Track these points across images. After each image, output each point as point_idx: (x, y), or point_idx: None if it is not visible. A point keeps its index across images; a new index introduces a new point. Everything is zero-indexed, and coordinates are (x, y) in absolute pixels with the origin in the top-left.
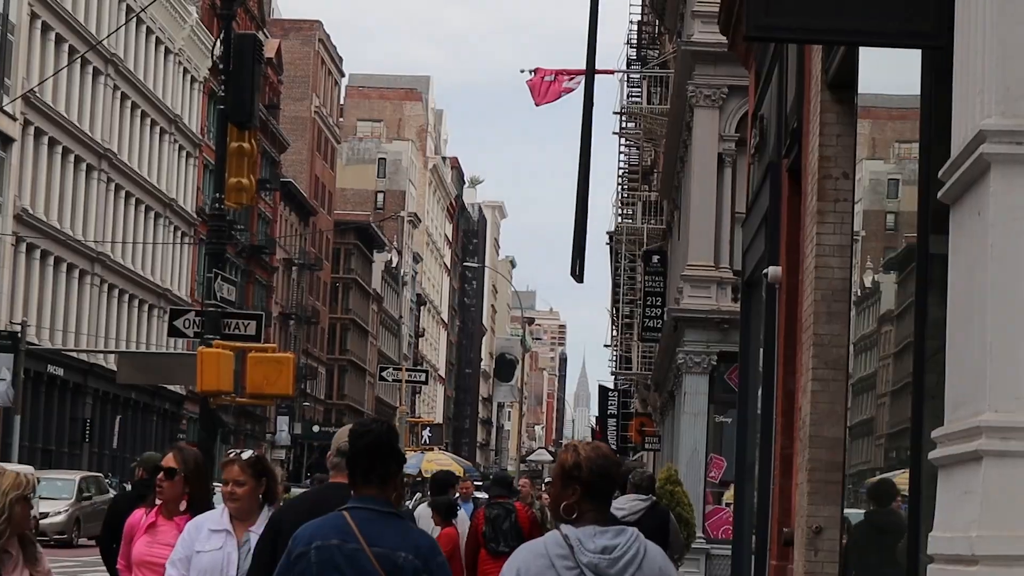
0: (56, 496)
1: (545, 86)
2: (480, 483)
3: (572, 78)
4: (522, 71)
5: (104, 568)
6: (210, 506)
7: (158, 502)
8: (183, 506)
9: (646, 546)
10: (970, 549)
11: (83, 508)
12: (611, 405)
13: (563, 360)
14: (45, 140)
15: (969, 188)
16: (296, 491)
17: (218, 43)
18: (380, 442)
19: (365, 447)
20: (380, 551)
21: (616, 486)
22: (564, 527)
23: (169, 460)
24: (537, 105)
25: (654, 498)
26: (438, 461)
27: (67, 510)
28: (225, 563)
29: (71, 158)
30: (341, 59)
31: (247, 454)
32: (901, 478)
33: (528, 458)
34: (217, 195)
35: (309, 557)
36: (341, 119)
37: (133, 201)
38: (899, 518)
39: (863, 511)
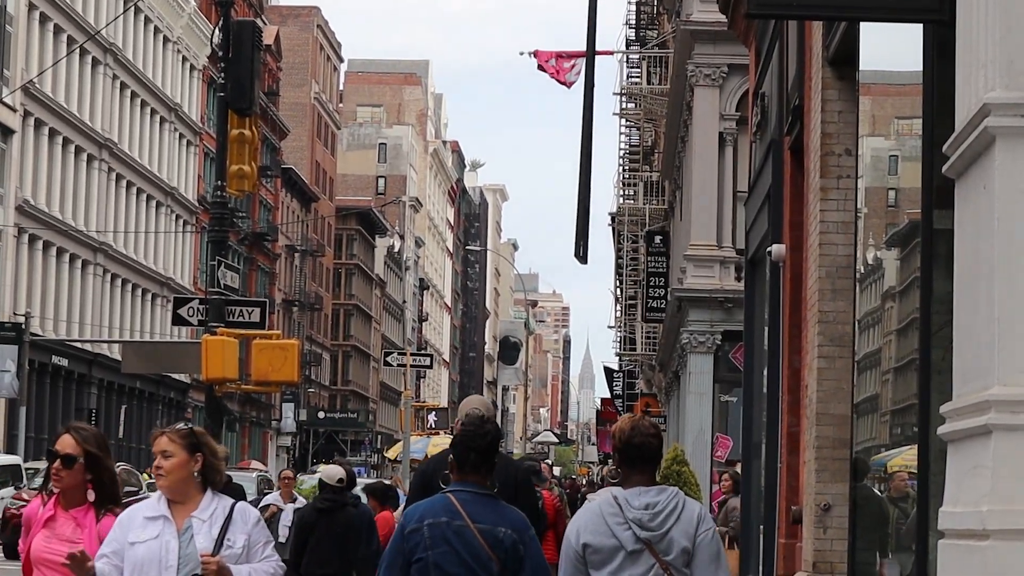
0: None
1: (554, 70)
2: None
3: (573, 67)
4: (521, 54)
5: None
6: (116, 494)
7: (55, 491)
8: (91, 496)
9: (685, 501)
10: (981, 523)
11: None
12: (616, 386)
13: (567, 342)
14: (45, 131)
15: (974, 162)
16: (309, 479)
17: (217, 30)
18: (494, 442)
19: (484, 447)
20: (483, 527)
21: (655, 455)
22: (615, 489)
23: (66, 444)
24: (569, 85)
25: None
26: (444, 445)
27: None
28: (163, 553)
29: (71, 148)
30: (340, 45)
31: (179, 425)
32: (901, 457)
33: (534, 440)
34: (218, 183)
35: (422, 532)
36: (341, 105)
37: (134, 190)
38: (870, 492)
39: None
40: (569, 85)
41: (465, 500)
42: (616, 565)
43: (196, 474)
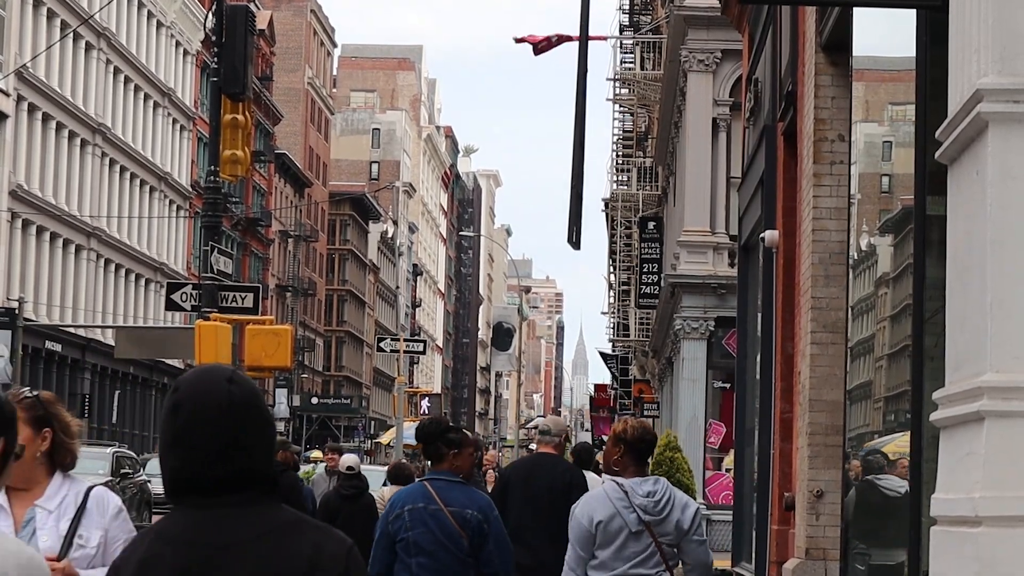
0: None
1: (546, 42)
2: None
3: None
4: (515, 39)
5: None
6: None
7: None
8: None
9: (674, 490)
10: (973, 510)
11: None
12: (610, 371)
13: (560, 328)
14: (39, 115)
15: (967, 148)
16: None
17: (210, 15)
18: (434, 434)
19: (425, 437)
20: (453, 509)
21: (650, 449)
22: (618, 478)
23: None
24: (536, 53)
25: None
26: None
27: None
28: None
29: (65, 133)
30: (333, 29)
31: (23, 392)
32: (894, 444)
33: (527, 426)
34: (212, 168)
35: (403, 517)
36: (334, 90)
37: (128, 175)
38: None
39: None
40: (539, 49)
41: (438, 487)
42: (620, 543)
43: (41, 454)
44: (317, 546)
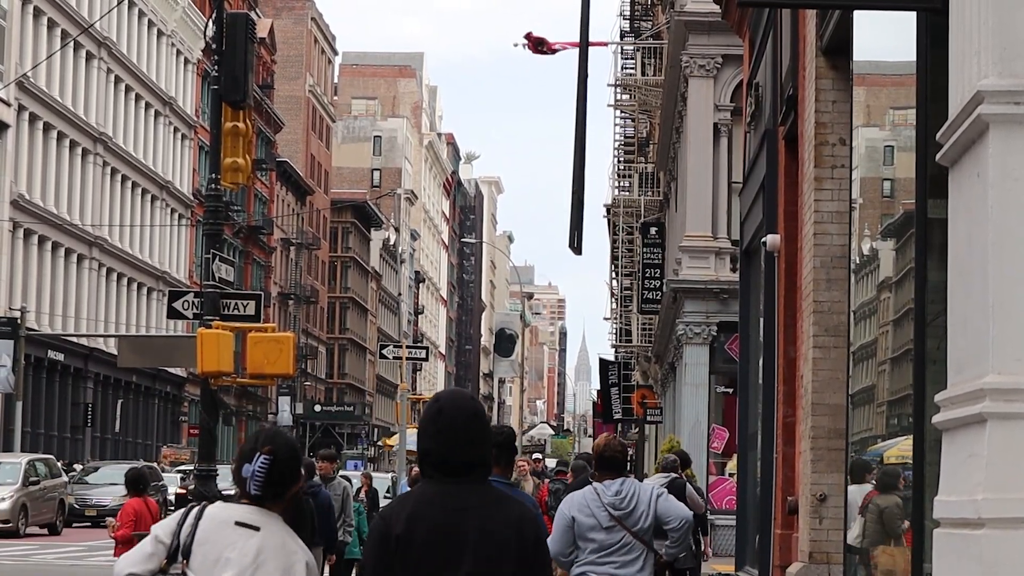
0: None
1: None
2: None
3: (564, 49)
4: (516, 45)
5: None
6: None
7: None
8: None
9: (639, 486)
10: (976, 512)
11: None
12: (612, 377)
13: (563, 334)
14: (40, 125)
15: (968, 149)
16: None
17: (210, 23)
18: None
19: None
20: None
21: (621, 463)
22: (595, 483)
23: None
24: (534, 49)
25: (674, 475)
26: None
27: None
28: None
29: (66, 143)
30: (334, 37)
31: None
32: (897, 448)
33: (529, 433)
34: (213, 176)
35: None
36: (335, 98)
37: (129, 184)
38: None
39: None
40: (545, 48)
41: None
42: (597, 535)
43: None
44: (520, 511)
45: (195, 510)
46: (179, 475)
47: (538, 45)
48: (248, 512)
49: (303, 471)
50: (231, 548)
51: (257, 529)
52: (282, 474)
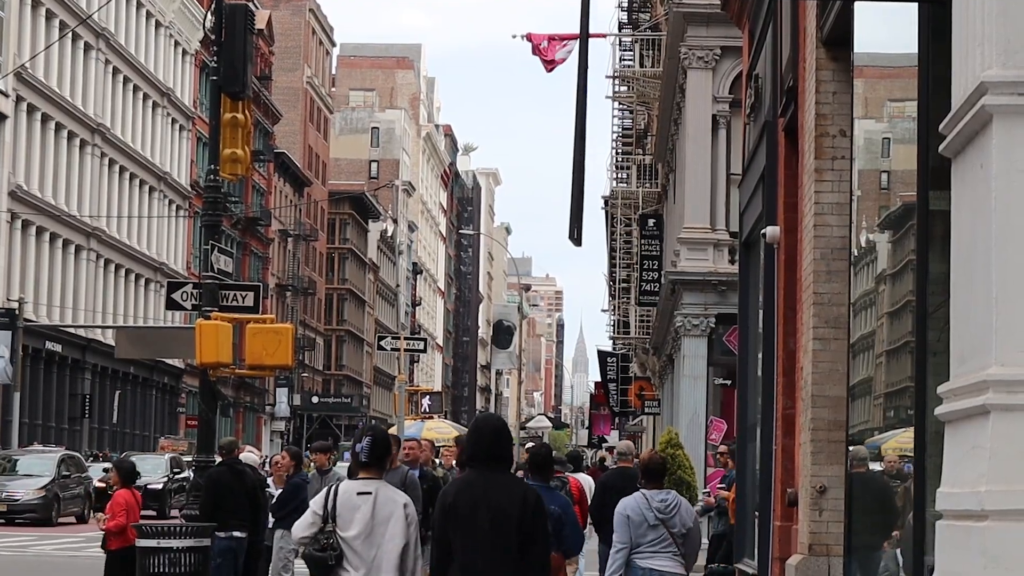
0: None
1: (544, 52)
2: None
3: (564, 45)
4: (514, 36)
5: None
6: None
7: None
8: None
9: (680, 500)
10: (979, 504)
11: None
12: (610, 370)
13: (560, 326)
14: (38, 116)
15: (971, 141)
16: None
17: (209, 14)
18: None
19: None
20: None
21: (662, 473)
22: (643, 490)
23: None
24: (549, 71)
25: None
26: (438, 429)
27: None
28: None
29: (64, 133)
30: (332, 29)
31: None
32: (896, 440)
33: (527, 425)
34: (212, 167)
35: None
36: (333, 89)
37: (127, 175)
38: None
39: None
40: (553, 66)
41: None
42: (644, 530)
43: None
44: (524, 491)
45: (332, 488)
46: (103, 470)
47: (542, 55)
48: (363, 484)
49: (333, 453)
50: (357, 510)
51: (370, 493)
52: (380, 448)
